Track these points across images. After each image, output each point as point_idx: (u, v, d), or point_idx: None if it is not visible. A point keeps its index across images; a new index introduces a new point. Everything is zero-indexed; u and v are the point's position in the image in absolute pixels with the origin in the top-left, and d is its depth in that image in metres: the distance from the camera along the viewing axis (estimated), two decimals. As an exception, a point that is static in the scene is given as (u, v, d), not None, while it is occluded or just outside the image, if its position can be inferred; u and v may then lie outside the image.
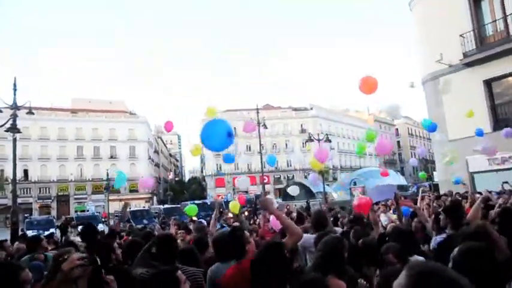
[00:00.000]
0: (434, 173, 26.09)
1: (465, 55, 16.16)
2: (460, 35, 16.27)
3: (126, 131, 62.79)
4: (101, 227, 25.30)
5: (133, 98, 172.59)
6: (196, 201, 32.00)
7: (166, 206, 33.10)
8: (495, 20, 15.85)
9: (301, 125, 63.77)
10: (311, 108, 67.92)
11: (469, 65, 16.22)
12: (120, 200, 54.68)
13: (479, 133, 12.70)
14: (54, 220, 29.60)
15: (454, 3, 16.82)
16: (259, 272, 2.53)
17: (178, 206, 31.47)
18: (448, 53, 16.81)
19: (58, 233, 19.94)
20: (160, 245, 3.35)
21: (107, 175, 41.30)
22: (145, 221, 24.65)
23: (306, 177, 51.13)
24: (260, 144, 29.05)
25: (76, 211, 49.29)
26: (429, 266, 1.31)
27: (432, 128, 13.11)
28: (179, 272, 2.29)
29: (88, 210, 46.32)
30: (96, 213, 36.13)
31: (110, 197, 41.51)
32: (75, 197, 57.87)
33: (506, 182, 12.14)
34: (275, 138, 62.17)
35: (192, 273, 3.07)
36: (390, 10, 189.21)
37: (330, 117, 68.04)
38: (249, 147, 60.90)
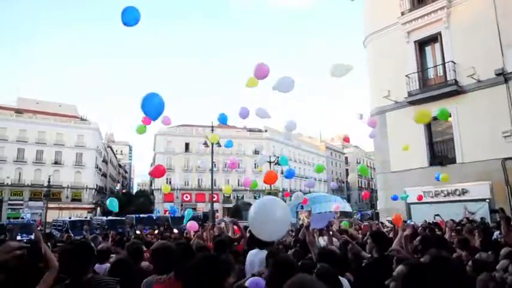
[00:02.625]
0: (378, 202, 27.35)
1: (409, 94, 17.43)
2: (406, 75, 17.58)
3: (75, 137, 60.07)
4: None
5: (86, 104, 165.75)
6: (142, 215, 31.12)
7: (109, 217, 31.74)
8: (436, 66, 17.35)
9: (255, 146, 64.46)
10: (265, 131, 68.98)
11: (412, 103, 17.47)
12: (60, 208, 51.94)
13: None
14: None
15: (403, 46, 18.21)
16: (191, 285, 2.39)
17: (123, 218, 30.36)
18: (394, 90, 18.05)
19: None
20: (72, 253, 3.11)
21: (49, 181, 39.01)
22: (85, 232, 23.52)
23: (255, 198, 51.45)
24: (212, 162, 29.03)
25: (8, 218, 45.76)
26: (301, 277, 1.66)
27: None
28: None
29: (23, 218, 43.35)
30: (31, 221, 33.93)
31: (50, 205, 39.19)
32: (10, 202, 53.74)
33: (438, 215, 13.12)
34: (228, 157, 62.27)
35: (104, 282, 2.97)
36: (349, 41, 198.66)
37: (283, 140, 69.37)
38: (201, 164, 60.38)
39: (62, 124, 59.90)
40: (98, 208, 60.54)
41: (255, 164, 55.49)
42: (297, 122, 8.93)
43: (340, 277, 3.50)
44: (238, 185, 60.17)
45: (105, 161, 73.85)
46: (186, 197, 60.08)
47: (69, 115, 64.31)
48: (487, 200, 15.00)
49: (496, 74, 15.03)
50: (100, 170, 67.67)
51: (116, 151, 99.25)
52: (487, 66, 15.22)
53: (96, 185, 63.47)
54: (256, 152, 58.64)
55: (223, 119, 11.35)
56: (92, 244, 3.80)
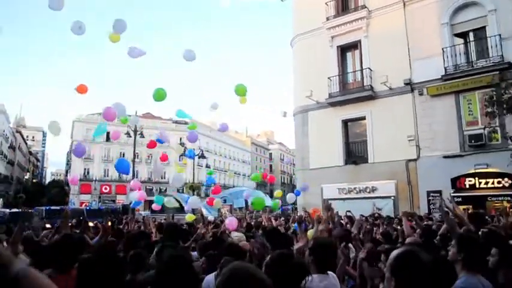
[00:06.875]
0: (297, 197, 28.58)
1: (330, 95, 18.41)
2: (328, 78, 18.53)
3: (-25, 119, 53.75)
4: None
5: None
6: (53, 207, 28.85)
7: (14, 210, 28.83)
8: (355, 71, 18.55)
9: (180, 139, 63.21)
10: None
11: (332, 104, 18.50)
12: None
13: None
14: None
15: (326, 49, 19.14)
16: (86, 278, 2.18)
17: (30, 211, 27.86)
18: (317, 91, 18.91)
19: None
20: None
21: None
22: (-16, 226, 21.24)
23: (178, 191, 50.58)
24: (134, 153, 27.95)
25: None
26: (240, 264, 1.63)
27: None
28: None
29: None
30: None
31: None
32: None
33: (349, 211, 14.09)
34: (151, 148, 60.27)
35: None
36: (277, 41, 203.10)
37: (209, 134, 69.06)
38: (123, 155, 57.75)
39: (-40, 104, 53.21)
40: (1, 199, 54.89)
41: (180, 156, 54.46)
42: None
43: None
44: (162, 178, 58.86)
45: (12, 147, 67.10)
46: (105, 188, 57.13)
47: (-29, 95, 57.32)
48: (392, 197, 16.48)
49: (404, 83, 16.55)
50: (6, 157, 61.39)
51: (27, 137, 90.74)
52: (397, 76, 16.66)
53: (0, 174, 57.55)
54: (181, 144, 57.52)
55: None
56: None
